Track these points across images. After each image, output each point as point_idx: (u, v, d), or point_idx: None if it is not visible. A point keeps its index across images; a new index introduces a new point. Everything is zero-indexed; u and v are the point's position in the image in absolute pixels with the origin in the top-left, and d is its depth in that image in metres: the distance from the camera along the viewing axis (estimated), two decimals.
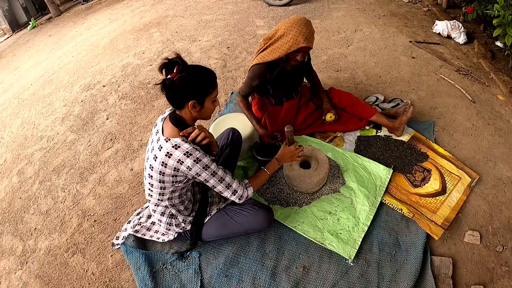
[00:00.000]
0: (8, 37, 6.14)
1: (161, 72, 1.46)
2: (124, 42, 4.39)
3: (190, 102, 1.48)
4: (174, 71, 1.43)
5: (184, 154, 1.44)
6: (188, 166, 1.45)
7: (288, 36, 2.01)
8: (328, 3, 4.68)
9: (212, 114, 2.04)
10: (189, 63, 1.51)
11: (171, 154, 1.44)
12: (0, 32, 6.30)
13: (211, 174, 1.51)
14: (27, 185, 2.56)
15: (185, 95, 1.48)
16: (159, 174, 1.49)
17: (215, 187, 1.57)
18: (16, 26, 6.38)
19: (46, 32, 5.79)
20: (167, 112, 1.61)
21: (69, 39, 5.15)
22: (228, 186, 1.58)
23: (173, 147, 1.45)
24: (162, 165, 1.46)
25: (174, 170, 1.47)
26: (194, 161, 1.45)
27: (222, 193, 1.60)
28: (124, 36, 4.57)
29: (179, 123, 1.53)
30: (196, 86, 1.48)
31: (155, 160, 1.48)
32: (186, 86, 1.46)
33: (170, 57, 1.46)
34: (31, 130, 3.15)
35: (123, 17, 5.32)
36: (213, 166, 1.50)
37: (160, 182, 1.52)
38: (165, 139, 1.48)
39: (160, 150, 1.47)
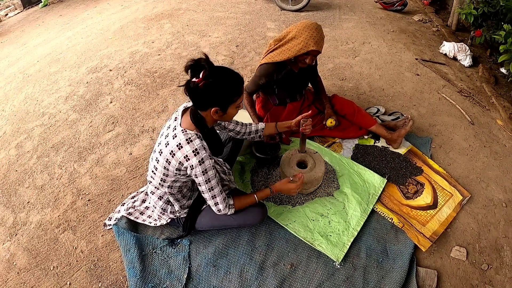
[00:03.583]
0: (19, 13, 6.13)
1: (186, 72, 1.42)
2: (134, 30, 4.41)
3: (213, 109, 1.47)
4: (200, 76, 1.39)
5: (193, 152, 1.45)
6: (192, 165, 1.47)
7: (299, 38, 2.04)
8: (339, 13, 4.74)
9: None
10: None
11: (181, 147, 1.46)
12: (11, 6, 6.29)
13: (206, 181, 1.52)
14: (24, 159, 2.57)
15: (209, 101, 1.46)
16: (165, 161, 1.51)
17: (203, 193, 1.59)
18: (27, 2, 6.37)
19: (58, 11, 5.79)
20: (191, 103, 1.57)
21: (80, 20, 5.16)
22: (214, 197, 1.60)
23: (186, 140, 1.46)
24: (170, 154, 1.49)
25: (178, 164, 1.49)
26: (199, 161, 1.46)
27: (206, 200, 1.63)
28: (135, 24, 4.58)
29: (199, 122, 1.52)
30: (221, 95, 1.46)
31: (166, 147, 1.50)
32: (210, 93, 1.43)
33: (196, 58, 1.41)
34: (33, 105, 3.15)
35: (135, 5, 5.34)
36: (210, 173, 1.52)
37: (164, 169, 1.54)
38: (181, 130, 1.48)
39: (173, 138, 1.48)
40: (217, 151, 1.67)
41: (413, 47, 3.89)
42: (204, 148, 1.48)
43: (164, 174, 1.57)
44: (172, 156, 1.48)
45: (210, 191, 1.57)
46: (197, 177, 1.52)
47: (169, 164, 1.51)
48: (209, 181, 1.54)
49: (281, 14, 4.68)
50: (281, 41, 2.15)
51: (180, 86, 1.52)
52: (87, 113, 2.93)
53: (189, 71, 1.41)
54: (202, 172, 1.49)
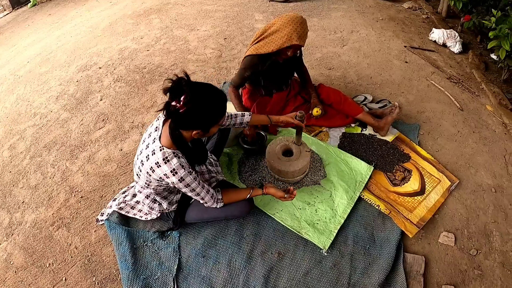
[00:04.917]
0: (8, 14, 6.07)
1: (165, 94, 1.34)
2: (123, 26, 4.39)
3: (194, 131, 1.45)
4: (181, 101, 1.31)
5: (171, 171, 1.43)
6: (173, 182, 1.48)
7: (282, 32, 2.05)
8: (328, 2, 4.70)
9: None
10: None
11: (160, 165, 1.43)
12: (0, 8, 6.23)
13: (190, 190, 1.55)
14: (17, 159, 2.59)
15: (190, 125, 1.42)
16: (147, 173, 1.51)
17: (191, 195, 1.61)
18: (16, 3, 6.29)
19: (47, 11, 5.74)
20: None
21: (69, 19, 5.12)
22: (201, 199, 1.64)
23: (163, 159, 1.42)
24: (150, 169, 1.47)
25: (159, 178, 1.49)
26: (179, 180, 1.47)
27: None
28: (124, 20, 4.56)
29: (177, 141, 1.46)
30: (203, 119, 1.42)
31: (147, 160, 1.47)
32: (192, 118, 1.38)
33: (176, 79, 1.33)
34: (25, 106, 3.16)
35: (124, 1, 5.30)
36: (194, 185, 1.53)
37: (147, 178, 1.55)
38: (159, 147, 1.44)
39: (152, 154, 1.45)
40: (201, 160, 1.67)
41: (402, 34, 3.89)
42: (183, 166, 1.46)
43: (147, 180, 1.57)
44: (153, 172, 1.47)
45: (196, 196, 1.61)
46: (181, 189, 1.54)
47: (150, 176, 1.51)
48: (194, 190, 1.56)
49: (269, 5, 4.65)
50: (265, 33, 2.16)
51: (158, 111, 1.45)
52: (78, 112, 2.95)
53: (168, 93, 1.34)
54: (185, 186, 1.51)
